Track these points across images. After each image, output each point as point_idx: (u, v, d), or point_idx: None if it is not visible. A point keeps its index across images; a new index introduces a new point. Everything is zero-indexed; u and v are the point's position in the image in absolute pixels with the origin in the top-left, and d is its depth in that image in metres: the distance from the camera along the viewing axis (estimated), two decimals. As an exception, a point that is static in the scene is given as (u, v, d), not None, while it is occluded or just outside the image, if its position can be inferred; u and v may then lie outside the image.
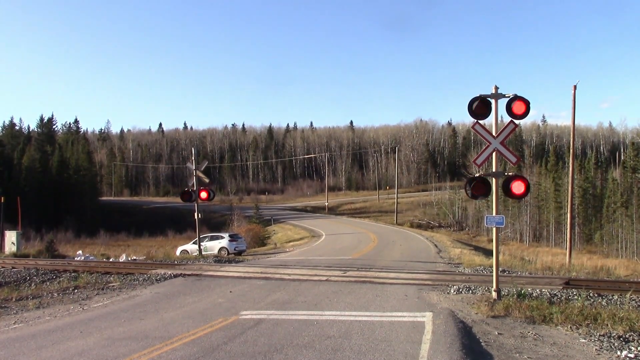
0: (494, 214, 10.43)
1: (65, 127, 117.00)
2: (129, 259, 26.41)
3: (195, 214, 24.19)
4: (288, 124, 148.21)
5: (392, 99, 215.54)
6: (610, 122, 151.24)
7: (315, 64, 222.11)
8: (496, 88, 10.31)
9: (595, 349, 7.06)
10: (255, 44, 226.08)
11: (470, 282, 13.03)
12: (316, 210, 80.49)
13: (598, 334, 7.78)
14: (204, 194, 23.38)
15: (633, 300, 10.42)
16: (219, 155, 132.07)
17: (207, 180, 25.00)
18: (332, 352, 6.80)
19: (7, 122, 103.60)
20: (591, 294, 11.10)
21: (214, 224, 59.14)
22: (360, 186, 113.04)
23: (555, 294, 11.24)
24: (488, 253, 29.48)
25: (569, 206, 28.76)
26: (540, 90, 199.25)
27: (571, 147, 27.96)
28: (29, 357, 7.07)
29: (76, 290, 13.61)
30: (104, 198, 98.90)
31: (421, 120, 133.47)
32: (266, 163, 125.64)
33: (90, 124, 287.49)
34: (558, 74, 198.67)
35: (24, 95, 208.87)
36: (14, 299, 12.58)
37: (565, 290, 11.71)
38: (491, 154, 10.37)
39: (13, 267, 19.26)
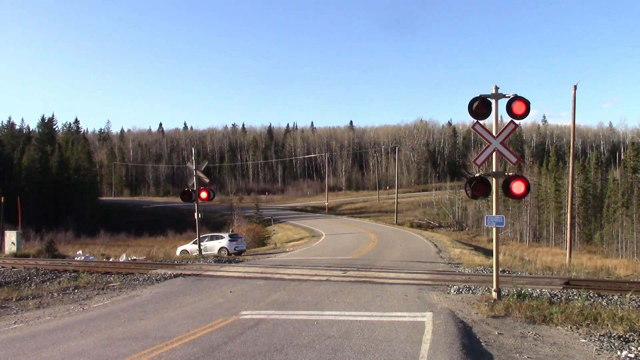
0: (494, 214, 10.43)
1: (65, 127, 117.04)
2: (129, 259, 26.40)
3: (195, 214, 24.18)
4: (288, 124, 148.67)
5: (392, 99, 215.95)
6: (610, 122, 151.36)
7: (316, 64, 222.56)
8: (496, 88, 10.30)
9: (596, 349, 7.06)
10: (255, 43, 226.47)
11: (470, 282, 13.03)
12: (316, 210, 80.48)
13: (598, 334, 7.78)
14: (204, 194, 23.38)
15: (633, 300, 10.41)
16: (219, 155, 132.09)
17: (207, 180, 24.99)
18: (332, 352, 6.80)
19: (6, 122, 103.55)
20: (591, 294, 11.09)
21: (214, 224, 59.16)
22: (361, 186, 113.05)
23: (555, 294, 11.23)
24: (488, 253, 29.48)
25: (569, 206, 28.77)
26: (540, 90, 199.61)
27: (571, 147, 27.95)
28: (29, 357, 7.06)
29: (76, 290, 13.61)
30: (104, 198, 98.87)
31: (421, 120, 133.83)
32: (266, 163, 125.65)
33: (90, 124, 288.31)
34: (558, 74, 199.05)
35: (24, 95, 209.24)
36: (14, 299, 12.57)
37: (565, 290, 11.70)
38: (491, 154, 10.37)
39: (13, 267, 19.25)
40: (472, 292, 11.67)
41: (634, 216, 56.99)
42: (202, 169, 24.24)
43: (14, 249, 29.00)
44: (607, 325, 8.14)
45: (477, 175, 10.37)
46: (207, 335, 7.87)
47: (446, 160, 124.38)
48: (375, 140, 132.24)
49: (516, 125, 10.60)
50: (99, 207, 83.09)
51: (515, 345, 7.28)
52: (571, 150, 28.11)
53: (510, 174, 10.39)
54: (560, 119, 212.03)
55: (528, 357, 6.68)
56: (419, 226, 61.33)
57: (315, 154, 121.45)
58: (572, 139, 28.32)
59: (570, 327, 8.24)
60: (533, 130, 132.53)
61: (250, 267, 18.38)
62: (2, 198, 33.74)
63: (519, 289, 10.85)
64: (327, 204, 79.96)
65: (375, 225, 56.81)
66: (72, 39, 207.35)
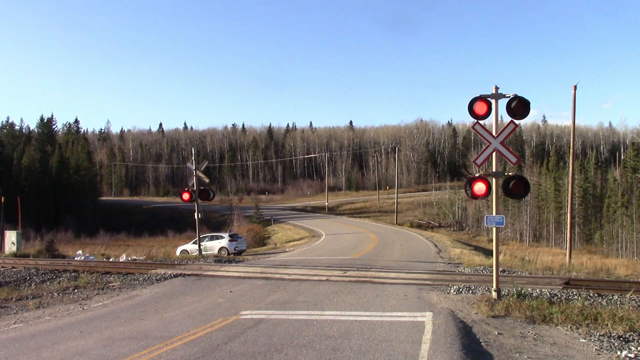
0: (494, 214, 10.43)
1: (65, 127, 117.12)
2: (129, 258, 26.40)
3: (195, 214, 24.18)
4: (288, 124, 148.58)
5: (392, 99, 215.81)
6: (610, 122, 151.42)
7: (315, 64, 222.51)
8: (496, 88, 10.31)
9: (595, 349, 7.06)
10: (255, 43, 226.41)
11: (470, 282, 13.03)
12: (316, 210, 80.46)
13: (598, 334, 7.78)
14: (204, 194, 23.40)
15: (633, 300, 10.42)
16: (219, 155, 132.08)
17: (207, 180, 24.98)
18: (332, 352, 6.80)
19: (6, 122, 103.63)
20: (591, 294, 11.10)
21: (214, 224, 59.14)
22: (360, 186, 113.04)
23: (555, 294, 11.24)
24: (488, 253, 29.47)
25: (569, 206, 28.77)
26: (540, 90, 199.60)
27: (571, 147, 27.97)
28: (29, 357, 7.06)
29: (76, 290, 13.61)
30: (104, 198, 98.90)
31: (421, 120, 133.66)
32: (266, 163, 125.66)
33: (90, 124, 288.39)
34: (558, 74, 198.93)
35: (24, 95, 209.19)
36: (14, 299, 12.58)
37: (565, 290, 11.71)
38: (491, 154, 10.37)
39: (13, 267, 19.25)
40: (472, 292, 11.67)
41: (634, 216, 56.98)
42: (202, 169, 24.23)
43: (14, 249, 29.00)
44: (607, 325, 8.14)
45: (477, 175, 10.37)
46: (207, 335, 7.87)
47: (446, 160, 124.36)
48: (375, 140, 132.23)
49: (516, 125, 10.60)
50: (99, 207, 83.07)
51: (515, 345, 7.29)
52: (571, 150, 28.12)
53: (510, 174, 10.39)
54: (560, 119, 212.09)
55: (528, 357, 6.68)
56: (419, 226, 61.32)
57: (315, 154, 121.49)
58: (572, 139, 28.33)
59: (570, 327, 8.24)
60: (533, 130, 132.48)
61: (250, 267, 18.38)
62: (2, 198, 33.77)
63: (519, 288, 10.84)
64: (327, 204, 79.95)
65: (375, 225, 56.81)
66: (71, 39, 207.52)
